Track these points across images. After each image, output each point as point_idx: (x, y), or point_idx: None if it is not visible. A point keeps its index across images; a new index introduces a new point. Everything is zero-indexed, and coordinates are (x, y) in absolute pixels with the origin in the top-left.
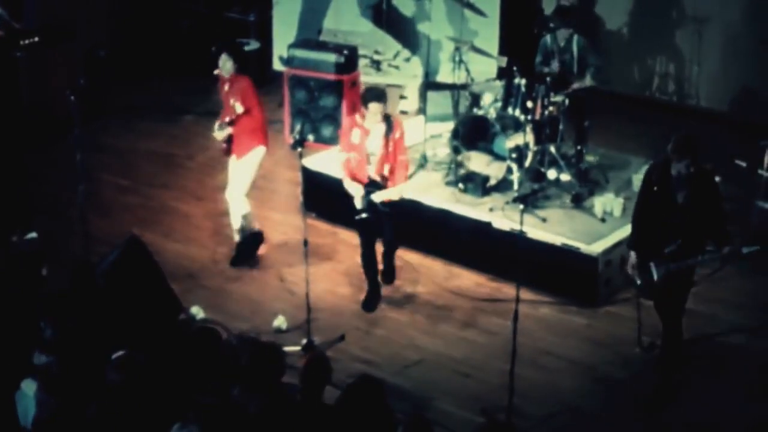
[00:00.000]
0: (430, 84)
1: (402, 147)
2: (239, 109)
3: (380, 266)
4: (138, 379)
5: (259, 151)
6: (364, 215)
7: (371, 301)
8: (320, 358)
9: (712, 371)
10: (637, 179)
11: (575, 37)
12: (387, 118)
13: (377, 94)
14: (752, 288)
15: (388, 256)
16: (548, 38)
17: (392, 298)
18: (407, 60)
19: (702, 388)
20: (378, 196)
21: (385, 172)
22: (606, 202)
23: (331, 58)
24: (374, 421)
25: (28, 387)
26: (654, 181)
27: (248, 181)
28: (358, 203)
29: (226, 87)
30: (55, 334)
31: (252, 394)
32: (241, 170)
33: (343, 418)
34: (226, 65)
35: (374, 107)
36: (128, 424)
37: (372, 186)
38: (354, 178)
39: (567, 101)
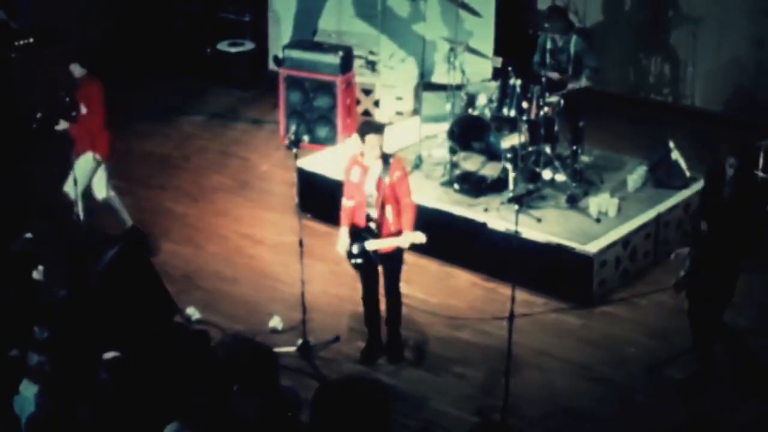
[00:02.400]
0: (425, 85)
1: (405, 189)
2: (83, 110)
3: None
4: (129, 379)
5: (89, 157)
6: (358, 260)
7: (369, 354)
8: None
9: (705, 371)
10: (632, 180)
11: (573, 38)
12: (385, 158)
13: (375, 126)
14: (748, 288)
15: (391, 326)
16: (546, 38)
17: None
18: (402, 61)
19: (698, 388)
20: (371, 245)
21: (387, 214)
22: (601, 202)
23: (326, 58)
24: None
25: (26, 389)
26: (709, 179)
27: (85, 180)
28: (354, 248)
29: (79, 87)
30: (50, 335)
31: (246, 396)
32: (80, 168)
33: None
34: (75, 69)
35: (372, 139)
36: (120, 425)
37: (367, 232)
38: (353, 223)
39: (562, 102)
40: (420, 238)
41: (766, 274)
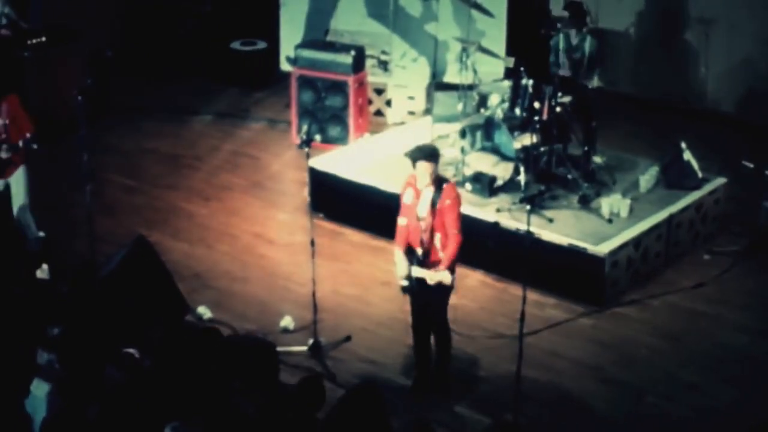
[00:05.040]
0: (437, 84)
1: (453, 218)
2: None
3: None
4: (140, 379)
5: (20, 173)
6: (405, 283)
7: (417, 388)
8: (314, 382)
9: (715, 372)
10: (644, 180)
11: (588, 38)
12: (438, 183)
13: (428, 152)
14: (757, 288)
15: (439, 357)
16: (559, 38)
17: (398, 299)
18: (414, 60)
19: (705, 388)
20: (416, 272)
21: (436, 242)
22: (613, 203)
23: (339, 58)
24: (369, 428)
25: (37, 388)
26: None
27: (27, 194)
28: (400, 275)
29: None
30: (61, 334)
31: (249, 396)
32: (22, 191)
33: (339, 424)
34: None
35: (422, 167)
36: (130, 424)
37: (414, 258)
38: (408, 244)
39: (574, 102)
40: (446, 279)
41: None
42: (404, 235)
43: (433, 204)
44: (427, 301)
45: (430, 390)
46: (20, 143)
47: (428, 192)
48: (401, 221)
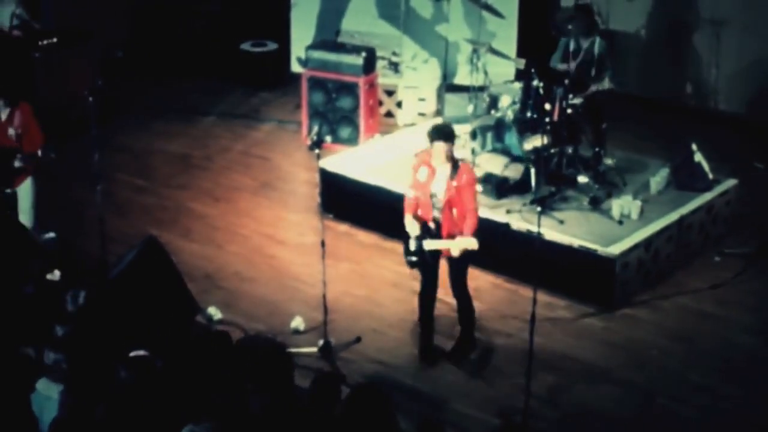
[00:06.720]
0: (448, 86)
1: (471, 194)
2: (16, 133)
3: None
4: (149, 379)
5: (28, 183)
6: (413, 258)
7: (425, 354)
8: (329, 379)
9: (725, 373)
10: (655, 182)
11: (597, 40)
12: (454, 162)
13: (445, 132)
14: (767, 290)
15: (463, 326)
16: (569, 39)
17: (408, 300)
18: (425, 62)
19: (715, 389)
20: (429, 245)
21: (453, 216)
22: (623, 204)
23: (349, 59)
24: (376, 429)
25: (45, 388)
26: None
27: (33, 204)
28: (412, 244)
29: (3, 116)
30: (68, 333)
31: (256, 394)
32: (29, 200)
33: (344, 425)
34: None
35: (439, 147)
36: (138, 424)
37: (426, 232)
38: (420, 220)
39: (585, 103)
40: (473, 244)
41: None
42: (413, 206)
43: (450, 181)
44: (450, 271)
45: (434, 353)
46: (39, 152)
47: (444, 170)
48: (409, 193)
